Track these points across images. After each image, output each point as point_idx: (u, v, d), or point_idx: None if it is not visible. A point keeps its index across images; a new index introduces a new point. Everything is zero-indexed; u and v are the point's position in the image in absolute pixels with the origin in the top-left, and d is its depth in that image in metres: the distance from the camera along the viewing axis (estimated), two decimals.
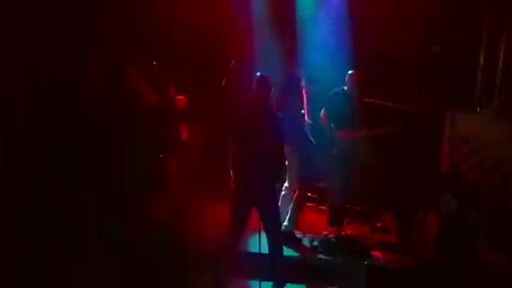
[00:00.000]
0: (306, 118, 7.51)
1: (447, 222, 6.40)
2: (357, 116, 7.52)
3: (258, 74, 6.07)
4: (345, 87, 7.55)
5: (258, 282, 5.94)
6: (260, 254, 6.03)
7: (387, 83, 8.29)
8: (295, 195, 7.33)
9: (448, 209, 6.40)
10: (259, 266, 6.13)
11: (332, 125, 7.53)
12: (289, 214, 7.29)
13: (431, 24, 8.02)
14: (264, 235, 5.99)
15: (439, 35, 8.03)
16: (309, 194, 8.72)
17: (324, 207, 8.33)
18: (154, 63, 8.19)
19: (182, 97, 8.33)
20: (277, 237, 6.03)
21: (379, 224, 8.25)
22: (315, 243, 7.13)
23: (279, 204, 6.73)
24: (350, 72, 7.58)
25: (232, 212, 5.95)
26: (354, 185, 7.79)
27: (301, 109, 7.44)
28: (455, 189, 6.38)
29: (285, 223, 7.23)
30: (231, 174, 5.87)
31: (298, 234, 7.42)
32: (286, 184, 7.42)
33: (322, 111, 7.60)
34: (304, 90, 7.50)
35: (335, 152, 7.50)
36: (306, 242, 7.30)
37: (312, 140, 7.46)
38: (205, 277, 5.96)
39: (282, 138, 5.97)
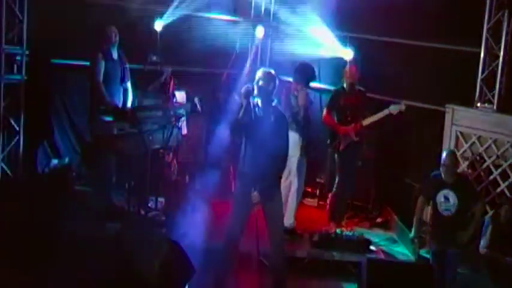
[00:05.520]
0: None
1: (446, 218, 6.36)
2: (357, 111, 7.52)
3: (262, 69, 6.01)
4: (344, 84, 7.56)
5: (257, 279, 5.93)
6: (261, 251, 6.01)
7: (388, 78, 8.28)
8: (292, 190, 7.34)
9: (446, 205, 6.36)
10: (261, 262, 6.14)
11: (336, 121, 7.55)
12: (289, 210, 7.31)
13: (431, 21, 8.00)
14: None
15: (439, 29, 8.01)
16: (309, 190, 8.77)
17: (325, 203, 8.34)
18: (154, 58, 8.20)
19: (182, 92, 8.35)
20: (281, 235, 6.00)
21: (379, 220, 8.26)
22: (316, 238, 7.12)
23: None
24: (347, 66, 7.58)
25: (234, 209, 5.93)
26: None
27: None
28: (454, 185, 6.33)
29: (289, 220, 7.25)
30: (233, 172, 5.81)
31: (298, 230, 7.43)
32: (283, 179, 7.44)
33: (325, 110, 7.61)
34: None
35: (341, 147, 7.51)
36: (306, 237, 7.30)
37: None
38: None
39: (286, 136, 5.94)
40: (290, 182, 7.34)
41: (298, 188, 7.41)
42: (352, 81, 7.49)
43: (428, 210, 7.34)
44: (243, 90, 5.74)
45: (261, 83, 5.75)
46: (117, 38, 7.33)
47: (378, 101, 8.11)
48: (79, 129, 7.99)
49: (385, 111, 7.38)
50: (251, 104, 5.73)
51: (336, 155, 7.70)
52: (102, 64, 7.20)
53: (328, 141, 7.75)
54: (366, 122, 7.47)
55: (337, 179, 7.75)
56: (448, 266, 6.25)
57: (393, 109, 7.33)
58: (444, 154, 6.44)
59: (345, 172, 7.64)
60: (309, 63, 7.43)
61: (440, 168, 6.39)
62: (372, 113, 7.49)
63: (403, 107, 7.31)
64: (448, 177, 6.30)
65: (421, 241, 7.03)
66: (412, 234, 6.60)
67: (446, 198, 6.27)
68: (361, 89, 7.62)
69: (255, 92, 5.74)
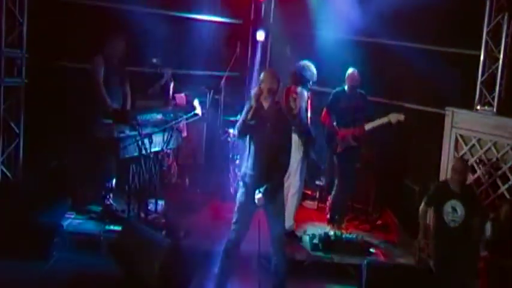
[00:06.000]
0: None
1: (452, 229, 6.23)
2: (358, 114, 7.53)
3: (266, 69, 5.99)
4: (345, 87, 7.59)
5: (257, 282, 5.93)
6: (261, 253, 6.00)
7: (388, 80, 8.29)
8: (292, 192, 7.33)
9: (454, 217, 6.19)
10: (261, 265, 6.13)
11: (335, 123, 7.57)
12: (289, 212, 7.30)
13: (431, 23, 8.01)
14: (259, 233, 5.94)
15: (439, 32, 8.03)
16: (309, 192, 8.77)
17: (324, 205, 8.34)
18: (154, 60, 8.21)
19: (182, 95, 8.35)
20: (282, 237, 5.97)
21: (379, 222, 8.25)
22: (315, 241, 7.12)
23: None
24: (349, 71, 7.60)
25: (237, 211, 5.91)
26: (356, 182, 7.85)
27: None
28: (462, 196, 6.18)
29: (289, 223, 7.24)
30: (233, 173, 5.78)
31: (298, 233, 7.42)
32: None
33: (324, 110, 7.63)
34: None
35: (339, 149, 7.52)
36: (306, 240, 7.30)
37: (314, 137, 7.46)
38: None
39: (290, 137, 5.92)
40: (289, 184, 7.33)
41: (298, 190, 7.40)
42: (353, 85, 7.54)
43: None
44: (252, 92, 5.74)
45: (265, 84, 5.75)
46: (122, 53, 7.36)
47: (378, 104, 8.13)
48: (79, 132, 7.98)
49: (384, 119, 7.41)
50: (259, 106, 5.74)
51: (334, 157, 7.72)
52: (101, 66, 7.21)
53: (325, 143, 7.78)
54: (366, 127, 7.50)
55: (336, 181, 7.77)
56: (450, 271, 6.19)
57: (392, 118, 7.36)
58: (455, 160, 6.38)
59: (344, 174, 7.65)
60: (308, 65, 7.43)
61: (450, 175, 6.31)
62: (371, 119, 7.51)
63: (402, 117, 7.34)
64: (456, 185, 6.20)
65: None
66: (418, 241, 6.49)
67: (454, 209, 6.19)
68: (362, 92, 7.65)
69: (263, 93, 5.74)
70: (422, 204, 6.49)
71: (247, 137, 5.82)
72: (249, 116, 5.66)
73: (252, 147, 5.80)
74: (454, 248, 6.20)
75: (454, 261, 6.19)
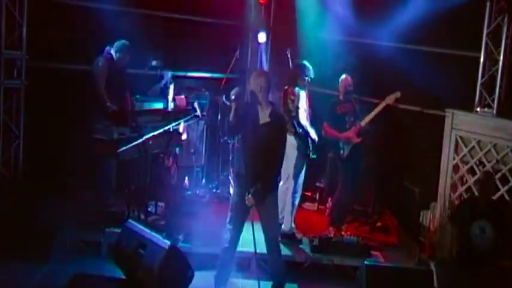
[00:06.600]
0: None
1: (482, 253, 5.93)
2: (354, 118, 7.54)
3: (256, 70, 6.03)
4: (340, 95, 7.62)
5: (257, 282, 5.92)
6: (258, 254, 6.01)
7: (386, 82, 8.28)
8: (291, 194, 7.32)
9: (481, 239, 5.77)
10: (258, 265, 6.13)
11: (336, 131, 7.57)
12: (287, 214, 7.30)
13: (431, 25, 8.01)
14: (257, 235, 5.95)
15: (439, 34, 8.02)
16: (309, 194, 8.76)
17: (324, 207, 8.33)
18: (154, 62, 8.22)
19: (182, 97, 8.36)
20: (276, 238, 6.01)
21: (379, 224, 8.24)
22: (315, 243, 7.11)
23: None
24: (342, 77, 7.62)
25: (231, 212, 5.92)
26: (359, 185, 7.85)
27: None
28: (490, 215, 5.84)
29: (289, 224, 7.23)
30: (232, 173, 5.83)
31: (298, 235, 7.42)
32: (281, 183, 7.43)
33: (324, 123, 7.62)
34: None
35: (345, 154, 7.51)
36: (306, 242, 7.29)
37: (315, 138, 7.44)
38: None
39: (283, 139, 5.93)
40: (289, 186, 7.32)
41: (298, 192, 7.39)
42: (348, 90, 7.57)
43: (427, 214, 7.35)
44: (232, 92, 5.77)
45: (252, 85, 5.76)
46: (126, 62, 7.38)
47: (378, 106, 8.12)
48: (79, 134, 7.98)
49: (382, 104, 7.44)
50: (241, 106, 5.76)
51: (338, 162, 7.70)
52: (105, 69, 7.22)
53: (331, 153, 7.80)
54: (365, 121, 7.50)
55: (339, 185, 7.74)
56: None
57: (389, 99, 7.39)
58: (481, 174, 6.33)
59: (348, 178, 7.62)
60: (300, 63, 7.44)
61: (477, 190, 6.15)
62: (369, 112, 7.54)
63: (398, 94, 7.37)
64: (483, 202, 5.93)
65: (420, 245, 7.01)
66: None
67: (483, 231, 5.84)
68: (356, 96, 7.69)
69: (249, 95, 5.76)
70: (448, 225, 6.13)
71: (241, 137, 5.86)
72: (231, 117, 5.71)
73: (244, 147, 5.84)
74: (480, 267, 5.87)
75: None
